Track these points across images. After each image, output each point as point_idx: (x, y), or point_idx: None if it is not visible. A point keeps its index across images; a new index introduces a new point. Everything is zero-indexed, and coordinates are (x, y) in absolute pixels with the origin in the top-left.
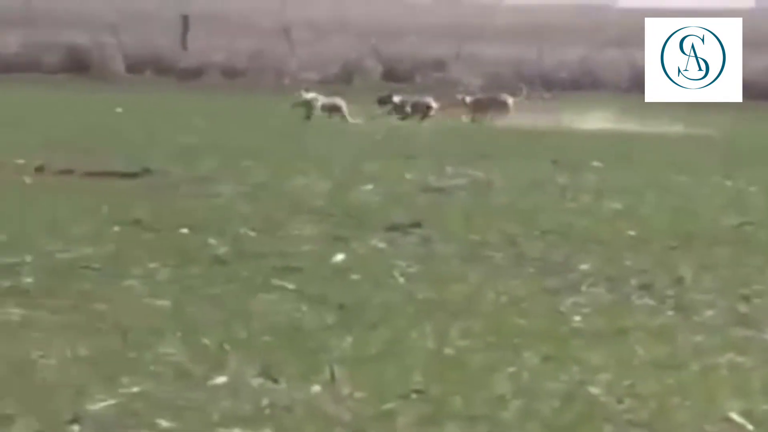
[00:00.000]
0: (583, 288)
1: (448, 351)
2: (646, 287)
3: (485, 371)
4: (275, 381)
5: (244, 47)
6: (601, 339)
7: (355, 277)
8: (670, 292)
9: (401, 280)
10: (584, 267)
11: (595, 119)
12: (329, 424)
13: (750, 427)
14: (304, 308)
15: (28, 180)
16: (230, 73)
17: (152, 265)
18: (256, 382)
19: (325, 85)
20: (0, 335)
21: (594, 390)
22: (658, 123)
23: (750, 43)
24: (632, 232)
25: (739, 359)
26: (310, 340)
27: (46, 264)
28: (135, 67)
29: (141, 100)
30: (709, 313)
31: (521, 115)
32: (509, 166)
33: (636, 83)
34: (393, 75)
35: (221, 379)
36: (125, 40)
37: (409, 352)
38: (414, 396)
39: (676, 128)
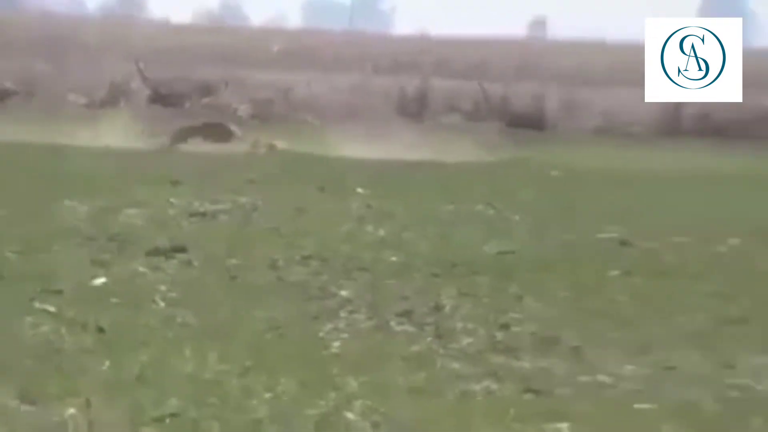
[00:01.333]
0: (343, 314)
1: (207, 375)
2: (406, 314)
3: (243, 396)
4: (32, 403)
5: (12, 68)
6: (359, 365)
7: (115, 300)
8: (430, 319)
9: (162, 304)
10: (345, 293)
11: (366, 146)
12: None
13: None
14: (64, 331)
15: None
16: None
17: None
18: (13, 404)
19: (91, 108)
20: None
21: (350, 416)
22: (431, 150)
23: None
24: (394, 259)
25: (496, 387)
26: (68, 362)
27: None
28: None
29: None
30: (468, 340)
31: (291, 142)
32: (275, 191)
33: (405, 110)
34: (161, 99)
35: None
36: None
37: (168, 376)
38: (169, 420)
39: (449, 155)
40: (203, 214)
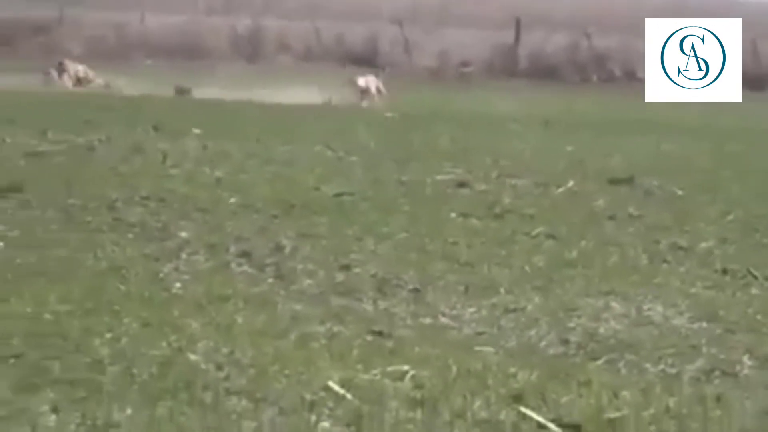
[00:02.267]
0: (183, 255)
1: (47, 316)
2: (245, 255)
3: (84, 336)
4: None
5: None
6: (200, 306)
7: None
8: (270, 261)
9: (0, 244)
10: (184, 234)
11: (203, 86)
12: None
13: (348, 395)
14: None
15: None
16: None
17: None
18: None
19: None
20: None
21: (193, 357)
22: (269, 92)
23: None
24: (233, 200)
25: (338, 328)
26: None
27: None
28: None
29: None
30: (309, 281)
31: (127, 80)
32: (111, 131)
33: (241, 51)
34: None
35: None
36: None
37: (9, 317)
38: (12, 361)
39: (284, 96)
40: (40, 154)
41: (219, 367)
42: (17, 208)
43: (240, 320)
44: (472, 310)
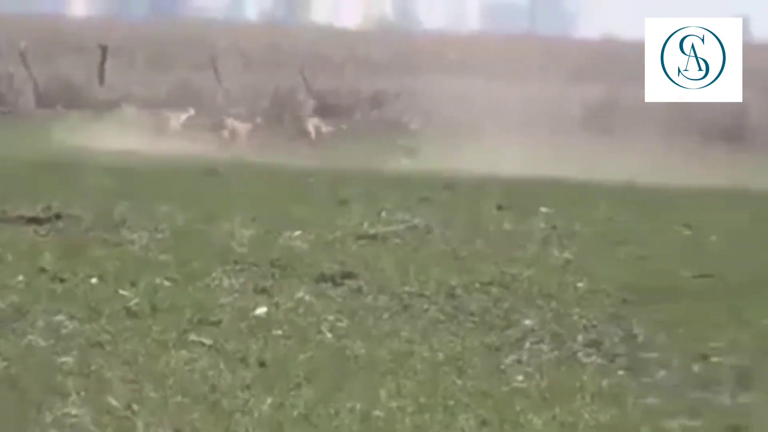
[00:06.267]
0: (527, 345)
1: (377, 413)
2: (594, 344)
3: None
4: None
5: (167, 80)
6: (544, 401)
7: (278, 332)
8: (621, 350)
9: (329, 335)
10: (528, 322)
11: (547, 161)
12: None
13: None
14: (222, 366)
15: None
16: (150, 106)
17: (57, 318)
18: None
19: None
20: None
21: None
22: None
23: None
24: (581, 284)
25: (693, 423)
26: (227, 400)
27: None
28: (46, 100)
29: (52, 137)
30: (662, 373)
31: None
32: (451, 211)
33: (591, 123)
34: (327, 111)
35: None
36: (36, 71)
37: (335, 415)
38: None
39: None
40: (373, 237)
41: None
42: (348, 296)
43: (587, 416)
44: None
